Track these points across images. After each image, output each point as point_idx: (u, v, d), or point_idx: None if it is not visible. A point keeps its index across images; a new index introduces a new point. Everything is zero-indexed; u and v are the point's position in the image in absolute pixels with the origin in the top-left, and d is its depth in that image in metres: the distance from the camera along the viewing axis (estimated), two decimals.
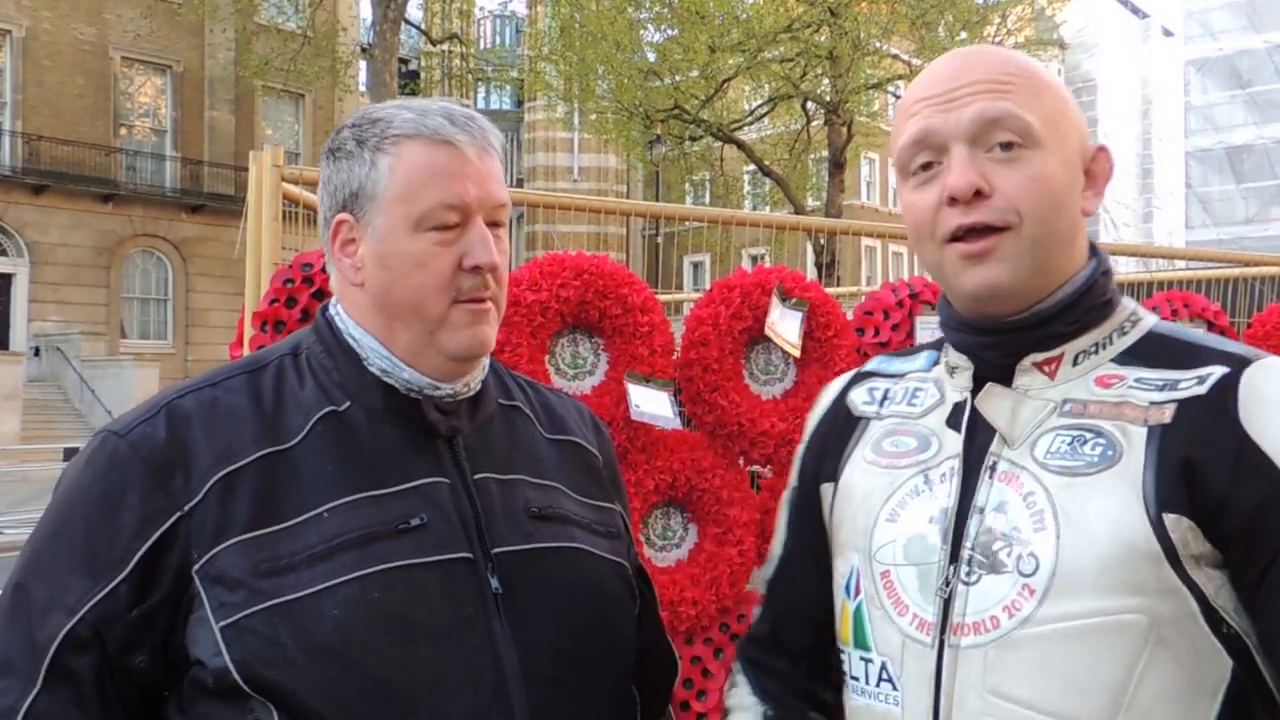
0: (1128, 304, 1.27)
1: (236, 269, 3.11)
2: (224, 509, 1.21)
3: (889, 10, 22.45)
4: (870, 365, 1.47)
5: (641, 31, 24.57)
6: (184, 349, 29.24)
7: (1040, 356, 1.22)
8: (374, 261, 1.30)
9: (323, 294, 2.53)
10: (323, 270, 2.55)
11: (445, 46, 33.68)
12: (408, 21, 27.13)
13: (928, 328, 3.06)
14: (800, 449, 1.48)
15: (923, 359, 1.40)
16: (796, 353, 2.87)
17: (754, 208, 31.67)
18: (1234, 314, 4.70)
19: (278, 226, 2.83)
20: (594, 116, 25.80)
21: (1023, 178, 1.16)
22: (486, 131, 1.33)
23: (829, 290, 3.13)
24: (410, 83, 37.34)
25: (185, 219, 29.52)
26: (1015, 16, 24.27)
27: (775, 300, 2.83)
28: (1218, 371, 1.14)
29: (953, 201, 1.17)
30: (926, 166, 1.21)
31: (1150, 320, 1.25)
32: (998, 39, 23.27)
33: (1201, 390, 1.13)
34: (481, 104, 44.78)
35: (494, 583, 1.27)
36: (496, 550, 1.30)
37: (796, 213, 22.51)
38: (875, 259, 36.90)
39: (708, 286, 2.93)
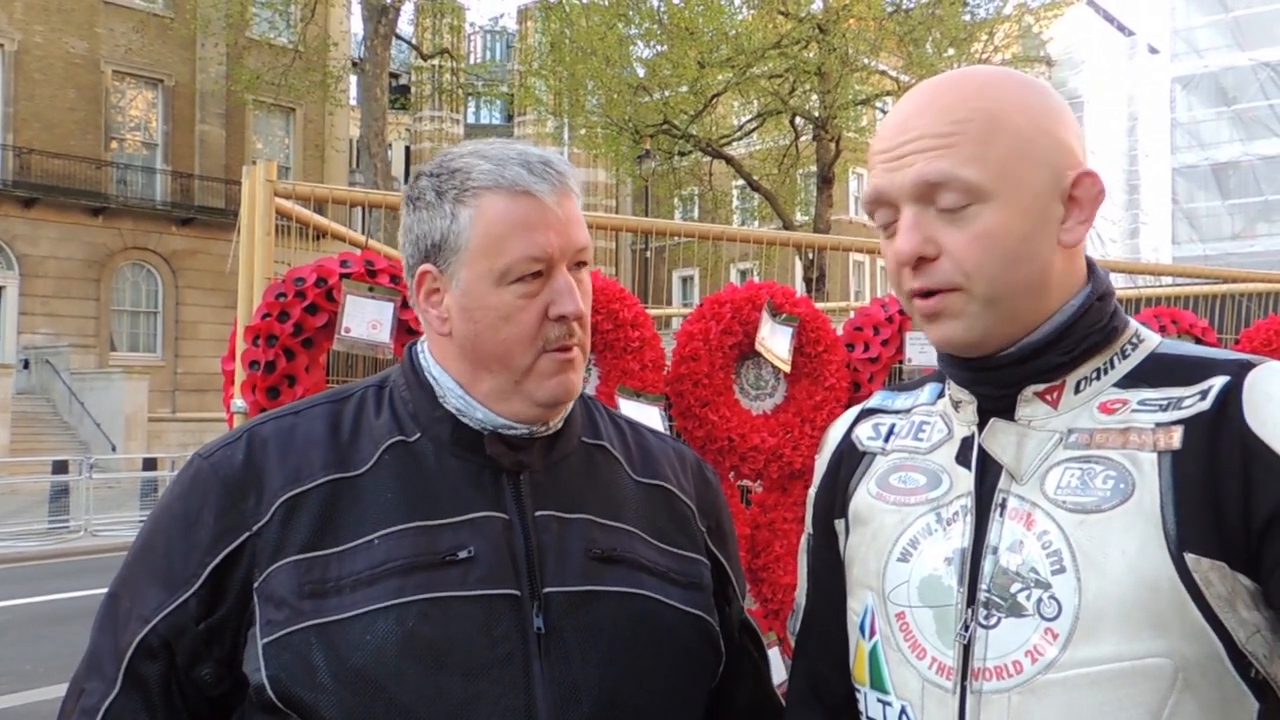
0: (1131, 325, 1.22)
1: (226, 282, 3.13)
2: (285, 529, 1.25)
3: (877, 27, 22.56)
4: (873, 402, 1.43)
5: (631, 47, 24.66)
6: (173, 362, 29.15)
7: (1040, 386, 1.18)
8: (459, 313, 1.30)
9: (315, 309, 2.54)
10: (315, 285, 2.55)
11: (436, 61, 33.78)
12: (399, 36, 27.17)
13: (917, 343, 3.08)
14: (811, 492, 1.44)
15: (926, 392, 1.36)
16: (787, 368, 2.88)
17: (743, 222, 31.78)
18: (1221, 330, 4.72)
19: (270, 241, 2.85)
20: (583, 131, 25.84)
21: (968, 237, 1.12)
22: (564, 174, 1.30)
23: (817, 305, 3.15)
24: (401, 97, 37.39)
25: (175, 232, 29.49)
26: (1002, 33, 24.35)
27: (765, 315, 2.84)
28: (1219, 382, 1.10)
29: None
30: (887, 225, 1.19)
31: (1154, 340, 1.21)
32: (984, 56, 23.39)
33: (1205, 405, 1.09)
34: (471, 119, 44.83)
35: (537, 622, 1.25)
36: (547, 589, 1.27)
37: (785, 227, 22.58)
38: (864, 273, 36.98)
39: (697, 301, 2.94)
